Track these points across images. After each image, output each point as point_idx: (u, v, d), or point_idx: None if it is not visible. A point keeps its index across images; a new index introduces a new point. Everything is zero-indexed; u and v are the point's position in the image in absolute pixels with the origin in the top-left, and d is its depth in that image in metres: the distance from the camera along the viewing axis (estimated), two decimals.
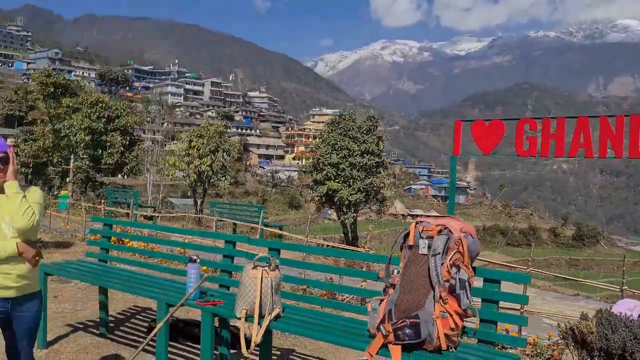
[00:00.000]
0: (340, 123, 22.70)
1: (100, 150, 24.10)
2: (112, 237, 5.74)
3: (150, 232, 10.00)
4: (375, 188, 21.52)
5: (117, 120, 24.42)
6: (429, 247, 3.05)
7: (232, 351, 4.35)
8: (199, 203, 20.22)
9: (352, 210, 21.32)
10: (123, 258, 6.42)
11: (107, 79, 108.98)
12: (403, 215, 72.82)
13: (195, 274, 3.90)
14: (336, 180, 21.35)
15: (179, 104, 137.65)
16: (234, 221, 13.93)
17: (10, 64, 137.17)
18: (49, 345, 4.83)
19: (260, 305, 3.37)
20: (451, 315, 2.93)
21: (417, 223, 3.20)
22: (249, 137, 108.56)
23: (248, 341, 3.29)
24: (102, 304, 5.36)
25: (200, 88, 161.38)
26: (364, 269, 7.71)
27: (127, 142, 24.70)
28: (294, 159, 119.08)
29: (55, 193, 22.90)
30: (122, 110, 24.87)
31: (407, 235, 3.20)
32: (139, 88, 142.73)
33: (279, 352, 5.01)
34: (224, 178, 19.86)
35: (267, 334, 3.84)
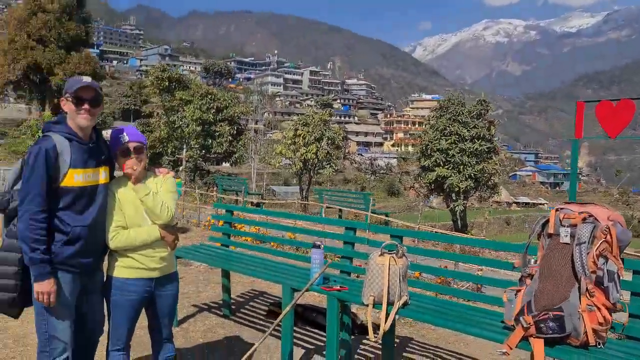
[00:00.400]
0: (449, 108, 21.97)
1: (210, 140, 25.24)
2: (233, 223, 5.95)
3: (261, 218, 10.31)
4: (486, 174, 20.71)
5: (225, 111, 25.40)
6: (572, 236, 2.85)
7: (351, 337, 4.36)
8: (304, 190, 20.61)
9: (462, 198, 20.65)
10: (242, 243, 6.65)
11: (212, 71, 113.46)
12: (508, 203, 69.90)
13: (319, 259, 3.93)
14: (445, 167, 20.77)
15: (279, 93, 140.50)
16: (340, 208, 14.08)
17: (125, 61, 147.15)
18: (179, 324, 5.11)
19: (388, 293, 3.33)
20: (599, 308, 2.73)
21: (557, 210, 3.00)
22: (347, 124, 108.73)
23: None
24: (224, 286, 5.56)
25: (299, 77, 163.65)
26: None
27: (235, 132, 25.66)
28: (392, 145, 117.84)
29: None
30: (229, 101, 25.84)
31: (545, 223, 3.02)
32: (241, 79, 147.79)
33: (397, 340, 4.97)
34: (328, 166, 20.07)
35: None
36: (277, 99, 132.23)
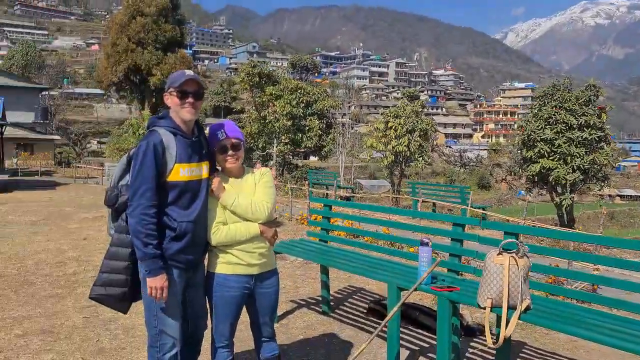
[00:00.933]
0: (554, 95, 20.52)
1: (300, 135, 25.47)
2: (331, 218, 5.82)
3: (353, 212, 10.17)
4: (596, 166, 19.16)
5: (314, 105, 25.52)
6: None
7: (460, 339, 4.10)
8: (396, 184, 20.23)
9: (569, 191, 19.22)
10: (338, 237, 6.52)
11: (298, 67, 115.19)
12: (610, 196, 65.33)
13: (427, 257, 3.70)
14: (550, 158, 19.45)
15: (365, 86, 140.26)
16: (433, 201, 13.64)
17: (215, 60, 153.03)
18: (278, 320, 5.05)
19: (509, 295, 3.04)
20: None
21: None
22: (435, 116, 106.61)
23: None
24: (323, 282, 5.45)
25: (385, 70, 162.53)
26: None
27: (324, 125, 25.71)
28: (482, 137, 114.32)
29: None
30: (319, 95, 25.92)
31: None
32: (327, 73, 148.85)
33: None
34: (420, 158, 19.52)
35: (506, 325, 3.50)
36: (363, 92, 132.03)
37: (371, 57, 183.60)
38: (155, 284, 2.76)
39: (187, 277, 2.96)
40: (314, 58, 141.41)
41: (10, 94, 34.20)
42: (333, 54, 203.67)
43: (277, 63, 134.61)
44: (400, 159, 19.60)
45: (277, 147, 24.31)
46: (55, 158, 39.80)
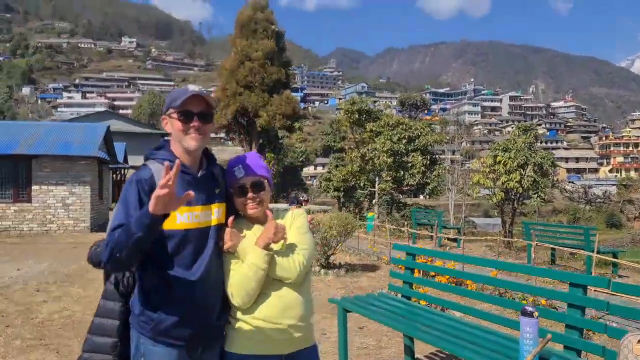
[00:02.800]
0: None
1: (402, 172, 24.48)
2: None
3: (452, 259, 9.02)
4: None
5: (417, 140, 24.51)
6: None
7: None
8: (507, 223, 18.40)
9: None
10: (426, 295, 5.51)
11: (407, 105, 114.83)
12: None
13: (532, 333, 2.66)
14: None
15: (476, 122, 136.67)
16: (552, 246, 11.89)
17: (325, 102, 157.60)
18: None
19: None
20: None
21: None
22: (554, 150, 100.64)
23: None
24: (407, 347, 4.54)
25: (497, 104, 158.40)
26: None
27: (428, 162, 24.55)
28: (610, 171, 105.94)
29: (364, 215, 24.04)
30: (421, 129, 24.90)
31: None
32: (437, 110, 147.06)
33: None
34: (535, 195, 17.60)
35: None
36: (475, 127, 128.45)
37: (483, 92, 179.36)
38: (156, 201, 1.89)
39: (192, 359, 2.22)
40: (423, 95, 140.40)
41: (135, 140, 37.01)
42: (443, 90, 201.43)
43: (386, 102, 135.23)
44: (512, 196, 17.80)
45: (379, 184, 23.45)
46: None
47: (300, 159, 59.71)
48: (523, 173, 16.99)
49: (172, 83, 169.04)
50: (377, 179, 23.93)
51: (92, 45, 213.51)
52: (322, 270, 10.28)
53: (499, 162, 17.41)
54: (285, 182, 53.03)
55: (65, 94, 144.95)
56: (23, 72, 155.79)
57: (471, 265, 7.96)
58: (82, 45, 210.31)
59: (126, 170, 30.56)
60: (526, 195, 18.23)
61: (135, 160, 33.04)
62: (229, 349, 2.31)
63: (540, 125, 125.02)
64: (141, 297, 2.19)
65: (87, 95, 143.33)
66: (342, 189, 31.89)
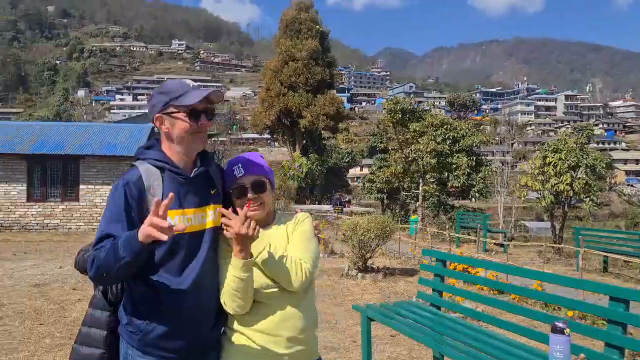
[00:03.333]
0: None
1: (446, 173, 23.86)
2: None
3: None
4: None
5: (462, 141, 23.82)
6: None
7: None
8: (557, 228, 17.51)
9: None
10: (458, 304, 5.15)
11: (456, 105, 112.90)
12: None
13: (563, 351, 2.33)
14: None
15: (530, 122, 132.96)
16: (604, 254, 11.14)
17: (372, 102, 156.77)
18: None
19: None
20: None
21: None
22: (612, 151, 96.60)
23: None
24: None
25: (552, 103, 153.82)
26: None
27: (473, 163, 23.80)
28: None
29: (408, 217, 23.54)
30: (467, 130, 24.18)
31: None
32: (487, 110, 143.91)
33: None
34: (587, 199, 16.66)
35: None
36: (528, 128, 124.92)
37: (536, 91, 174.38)
38: (146, 233, 1.73)
39: None
40: (473, 95, 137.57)
41: None
42: (494, 89, 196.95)
43: (434, 102, 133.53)
44: (562, 199, 16.91)
45: (422, 186, 22.90)
46: None
47: (346, 160, 59.35)
48: (574, 175, 16.14)
49: (219, 84, 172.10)
50: (421, 180, 23.39)
51: (144, 49, 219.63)
52: (359, 274, 10.01)
53: (549, 163, 16.61)
54: (329, 183, 52.95)
55: (117, 96, 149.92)
56: (78, 75, 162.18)
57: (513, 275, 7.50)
58: (134, 49, 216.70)
59: None
60: (578, 198, 17.33)
61: None
62: None
63: (597, 125, 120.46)
64: (129, 306, 2.04)
65: (138, 97, 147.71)
66: (385, 190, 31.38)
